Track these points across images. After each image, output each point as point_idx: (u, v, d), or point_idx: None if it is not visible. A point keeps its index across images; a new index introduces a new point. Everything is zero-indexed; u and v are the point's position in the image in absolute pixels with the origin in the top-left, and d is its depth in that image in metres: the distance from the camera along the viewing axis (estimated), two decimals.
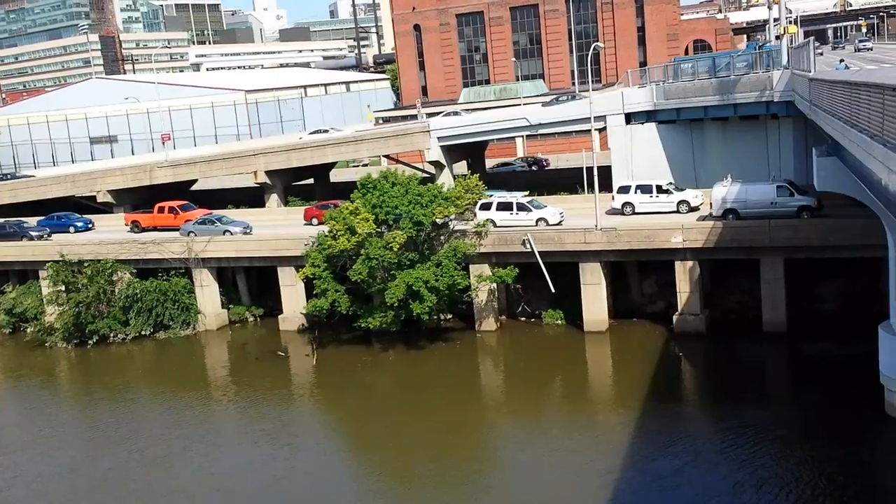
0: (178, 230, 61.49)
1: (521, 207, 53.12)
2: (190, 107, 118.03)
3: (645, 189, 53.47)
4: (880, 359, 35.66)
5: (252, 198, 79.66)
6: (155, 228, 64.28)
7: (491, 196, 54.79)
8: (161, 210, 65.42)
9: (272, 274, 57.53)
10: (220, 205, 73.87)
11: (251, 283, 60.57)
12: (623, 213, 53.37)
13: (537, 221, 52.25)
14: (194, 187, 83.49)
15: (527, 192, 57.80)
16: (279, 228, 60.46)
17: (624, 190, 54.35)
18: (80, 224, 68.23)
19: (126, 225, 66.00)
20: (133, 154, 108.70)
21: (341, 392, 46.54)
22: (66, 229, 67.38)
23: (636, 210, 53.07)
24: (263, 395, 46.33)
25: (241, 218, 63.54)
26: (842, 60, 53.84)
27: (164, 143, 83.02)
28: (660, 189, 53.07)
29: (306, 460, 38.11)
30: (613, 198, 54.38)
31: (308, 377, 49.92)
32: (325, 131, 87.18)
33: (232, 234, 59.33)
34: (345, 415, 44.06)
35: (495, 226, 52.50)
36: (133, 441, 41.49)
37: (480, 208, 53.55)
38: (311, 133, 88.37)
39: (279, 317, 57.18)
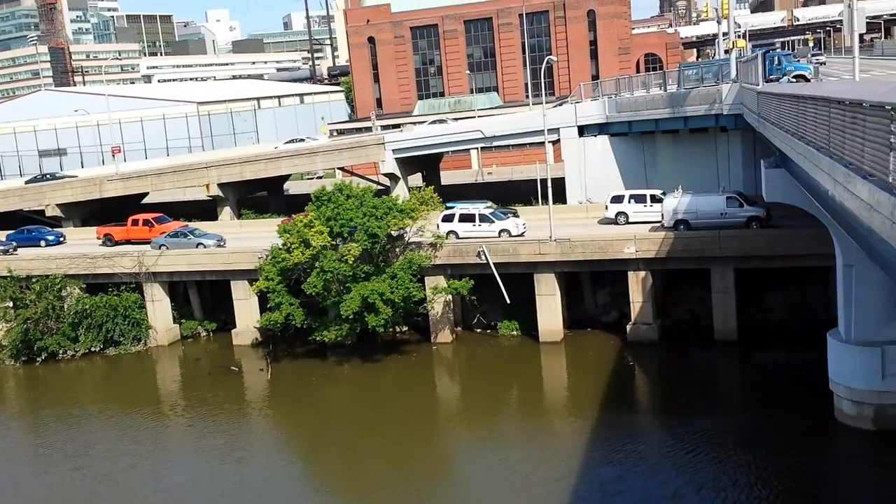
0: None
1: (484, 219, 53.14)
2: (141, 119, 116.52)
3: (639, 199, 53.75)
4: (829, 366, 36.39)
5: (204, 211, 78.72)
6: (129, 241, 62.66)
7: (453, 207, 54.81)
8: (135, 222, 63.77)
9: (225, 287, 56.87)
10: (172, 218, 72.79)
11: (204, 297, 59.79)
12: (617, 223, 53.51)
13: (500, 233, 52.33)
14: (145, 200, 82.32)
15: (489, 204, 57.69)
16: (254, 241, 58.09)
17: (618, 199, 54.49)
18: (51, 238, 66.08)
19: (98, 238, 64.23)
20: (83, 167, 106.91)
21: (295, 406, 46.11)
22: (36, 243, 65.18)
23: (630, 220, 53.19)
24: (215, 411, 45.71)
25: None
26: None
27: (114, 155, 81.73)
28: (654, 198, 53.19)
29: (256, 475, 37.57)
30: (607, 207, 54.55)
31: (261, 392, 49.39)
32: (302, 140, 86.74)
33: (206, 246, 58.14)
34: (298, 429, 43.64)
35: (458, 237, 52.49)
36: (79, 458, 40.64)
37: (443, 220, 53.52)
38: (286, 143, 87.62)
39: (232, 331, 56.51)
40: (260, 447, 41.10)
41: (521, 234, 52.38)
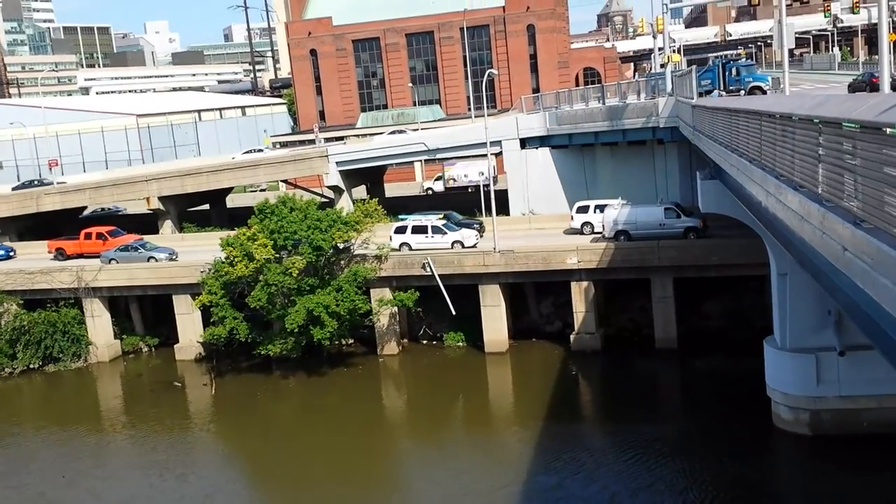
0: None
1: (436, 230, 53.28)
2: (79, 131, 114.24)
3: (604, 209, 53.81)
4: (766, 372, 37.39)
5: (144, 224, 77.41)
6: (81, 255, 61.13)
7: (405, 219, 54.85)
8: (88, 236, 62.28)
9: (167, 302, 56.13)
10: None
11: (145, 312, 58.90)
12: (582, 233, 53.84)
13: (453, 244, 52.50)
14: (83, 214, 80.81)
15: (441, 216, 57.50)
16: (196, 255, 57.02)
17: (583, 210, 54.81)
18: (0, 252, 64.29)
19: (49, 252, 62.61)
20: (19, 181, 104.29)
21: (239, 421, 45.69)
22: None
23: (595, 230, 53.35)
24: (157, 427, 45.08)
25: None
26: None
27: (51, 168, 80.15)
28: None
29: (196, 492, 37.15)
30: (572, 217, 54.88)
31: (205, 407, 48.83)
32: (260, 150, 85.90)
33: (157, 260, 57.12)
34: (242, 444, 43.24)
35: (410, 249, 52.57)
36: (14, 477, 39.74)
37: (395, 232, 53.57)
38: (244, 153, 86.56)
39: (175, 346, 55.79)
40: (202, 463, 40.64)
41: (474, 246, 52.60)
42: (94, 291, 56.15)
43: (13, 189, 79.10)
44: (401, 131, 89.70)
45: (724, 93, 46.74)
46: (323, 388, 48.78)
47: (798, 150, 18.00)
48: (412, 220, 54.87)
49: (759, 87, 46.73)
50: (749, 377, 39.27)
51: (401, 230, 53.84)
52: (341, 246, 51.28)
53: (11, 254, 65.08)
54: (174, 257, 57.70)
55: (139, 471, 39.65)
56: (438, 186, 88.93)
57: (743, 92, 46.60)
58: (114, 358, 56.88)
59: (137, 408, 49.17)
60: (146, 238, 63.10)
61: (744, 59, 70.68)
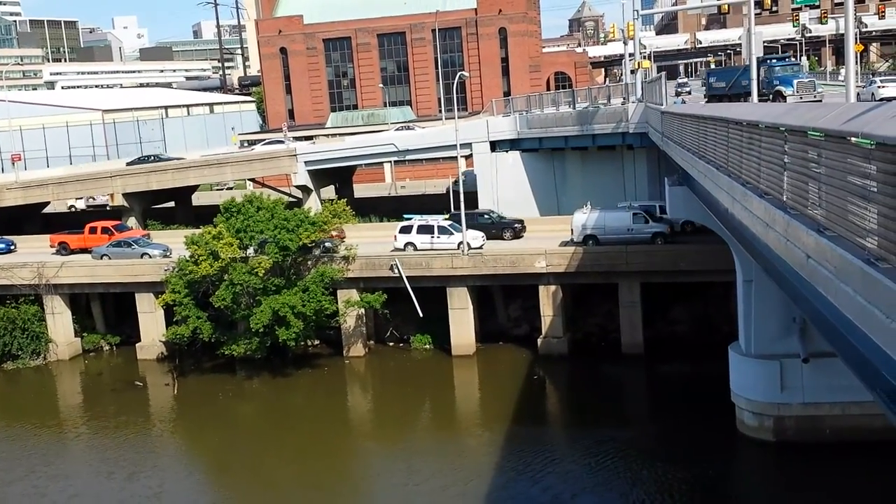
0: None
1: (443, 230, 52.35)
2: (43, 126, 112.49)
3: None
4: (731, 378, 37.56)
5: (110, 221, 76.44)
6: (84, 250, 59.16)
7: (411, 219, 53.99)
8: (93, 230, 60.51)
9: (130, 300, 55.30)
10: (76, 228, 70.43)
11: (107, 309, 57.99)
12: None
13: (459, 245, 51.52)
14: (47, 210, 79.53)
15: (446, 216, 55.48)
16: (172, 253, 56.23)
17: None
18: (1, 246, 62.18)
19: (52, 247, 60.68)
20: None
21: (202, 422, 45.07)
22: None
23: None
24: (115, 426, 44.30)
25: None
26: (678, 94, 55.74)
27: (13, 163, 78.70)
28: None
29: (145, 491, 36.43)
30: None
31: (167, 407, 48.14)
32: (280, 142, 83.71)
33: (151, 257, 55.59)
34: (205, 446, 42.65)
35: (415, 249, 51.88)
36: None
37: (400, 231, 52.75)
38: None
39: (137, 345, 54.96)
40: (156, 463, 39.78)
41: (480, 248, 51.69)
42: (55, 288, 55.17)
43: (127, 164, 77.59)
44: (409, 128, 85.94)
45: (685, 100, 45.33)
46: (287, 389, 48.30)
47: (764, 157, 18.02)
48: (418, 220, 53.62)
49: (780, 93, 43.94)
50: (714, 383, 39.42)
51: (406, 230, 52.82)
52: (311, 245, 50.69)
53: (12, 247, 62.77)
54: (168, 254, 56.35)
55: (90, 469, 39.15)
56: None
57: (770, 98, 42.80)
58: (74, 356, 55.94)
59: (96, 407, 48.38)
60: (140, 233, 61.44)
61: (791, 59, 56.09)
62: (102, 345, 57.40)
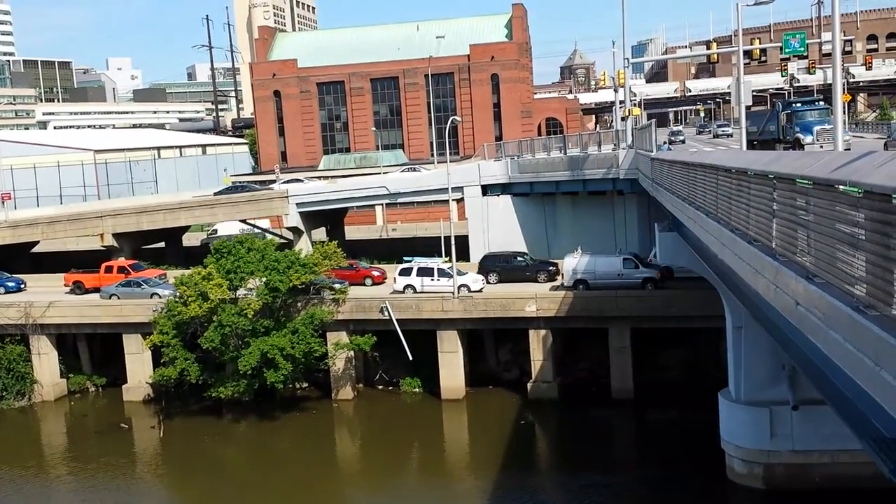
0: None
1: (442, 273, 52.20)
2: (34, 165, 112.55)
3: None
4: (721, 425, 37.39)
5: (98, 261, 75.98)
6: (99, 290, 58.38)
7: (411, 261, 53.95)
8: (109, 270, 60.00)
9: (117, 341, 54.90)
10: (64, 268, 70.10)
11: (94, 350, 57.53)
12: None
13: (459, 288, 51.50)
14: (36, 250, 79.22)
15: (446, 259, 54.81)
16: None
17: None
18: (10, 284, 61.27)
19: (66, 285, 60.29)
20: None
21: (187, 466, 44.48)
22: None
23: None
24: (99, 469, 43.68)
25: None
26: (665, 143, 55.55)
27: (3, 202, 78.59)
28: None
29: None
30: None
31: (152, 451, 47.54)
32: (300, 181, 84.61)
33: (161, 297, 54.69)
34: (190, 491, 42.05)
35: (415, 291, 51.80)
36: None
37: (400, 273, 52.66)
38: (283, 182, 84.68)
39: (123, 386, 54.41)
40: None
41: (480, 290, 51.59)
42: (41, 328, 54.77)
43: (214, 194, 79.49)
44: (414, 169, 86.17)
45: (671, 148, 42.96)
46: (274, 432, 47.83)
47: (753, 204, 18.14)
48: (418, 263, 53.58)
49: (798, 140, 41.64)
50: (704, 429, 39.22)
51: (405, 272, 52.71)
52: (301, 287, 50.54)
53: (22, 286, 62.06)
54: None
55: None
56: None
57: (791, 146, 39.31)
58: (59, 397, 55.35)
59: (81, 449, 47.74)
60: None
61: (821, 103, 48.43)
62: (88, 386, 56.84)
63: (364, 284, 56.01)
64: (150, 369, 53.55)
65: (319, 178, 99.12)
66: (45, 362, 55.20)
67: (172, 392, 52.27)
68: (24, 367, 54.53)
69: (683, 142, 76.62)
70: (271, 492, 40.02)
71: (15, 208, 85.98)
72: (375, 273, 57.18)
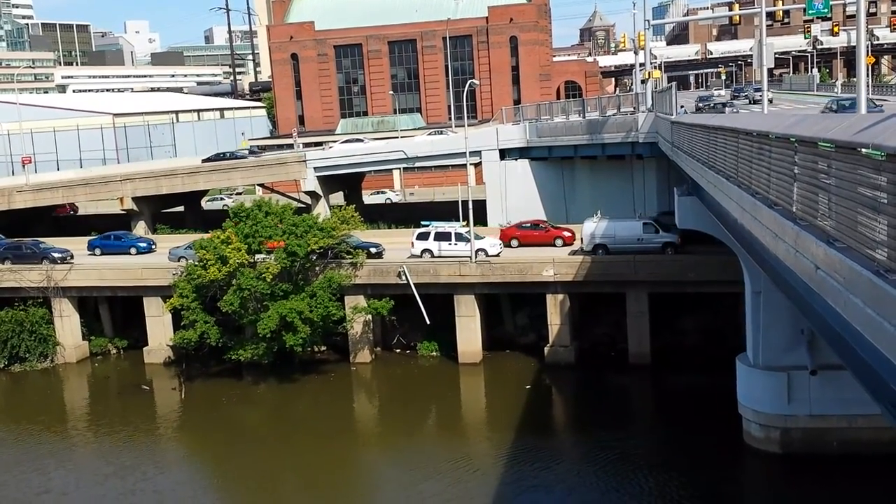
0: None
1: (460, 237, 51.88)
2: (53, 129, 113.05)
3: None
4: (738, 390, 37.40)
5: (117, 225, 76.33)
6: None
7: (428, 225, 53.84)
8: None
9: (138, 304, 55.43)
10: (84, 232, 70.76)
11: (115, 313, 58.12)
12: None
13: (477, 252, 51.18)
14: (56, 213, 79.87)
15: (464, 223, 53.89)
16: None
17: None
18: (142, 245, 60.83)
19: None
20: None
21: (208, 427, 45.05)
22: (126, 251, 60.26)
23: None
24: (124, 431, 44.34)
25: None
26: (700, 110, 54.89)
27: (24, 166, 79.11)
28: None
29: (156, 500, 36.46)
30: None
31: (173, 412, 48.18)
32: (361, 140, 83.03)
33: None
34: (210, 451, 42.60)
35: (433, 256, 51.76)
36: None
37: (417, 238, 52.43)
38: (342, 143, 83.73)
39: (144, 349, 55.05)
40: (162, 466, 39.76)
41: (498, 255, 51.30)
42: (63, 291, 55.34)
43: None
44: (440, 132, 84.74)
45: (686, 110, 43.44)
46: (293, 394, 48.30)
47: (774, 168, 17.96)
48: (435, 227, 53.32)
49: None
50: (721, 394, 39.27)
51: (423, 236, 52.48)
52: (319, 251, 50.64)
53: (153, 247, 61.11)
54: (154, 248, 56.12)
55: (104, 475, 38.92)
56: None
57: None
58: (81, 359, 56.07)
59: (103, 410, 48.47)
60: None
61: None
62: (110, 348, 57.52)
63: (554, 245, 53.73)
64: (170, 332, 54.07)
65: (336, 142, 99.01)
66: (67, 325, 55.86)
67: (193, 354, 52.77)
68: (46, 329, 55.19)
69: (724, 105, 62.98)
70: (290, 452, 40.49)
71: (35, 172, 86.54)
72: (566, 234, 54.06)
